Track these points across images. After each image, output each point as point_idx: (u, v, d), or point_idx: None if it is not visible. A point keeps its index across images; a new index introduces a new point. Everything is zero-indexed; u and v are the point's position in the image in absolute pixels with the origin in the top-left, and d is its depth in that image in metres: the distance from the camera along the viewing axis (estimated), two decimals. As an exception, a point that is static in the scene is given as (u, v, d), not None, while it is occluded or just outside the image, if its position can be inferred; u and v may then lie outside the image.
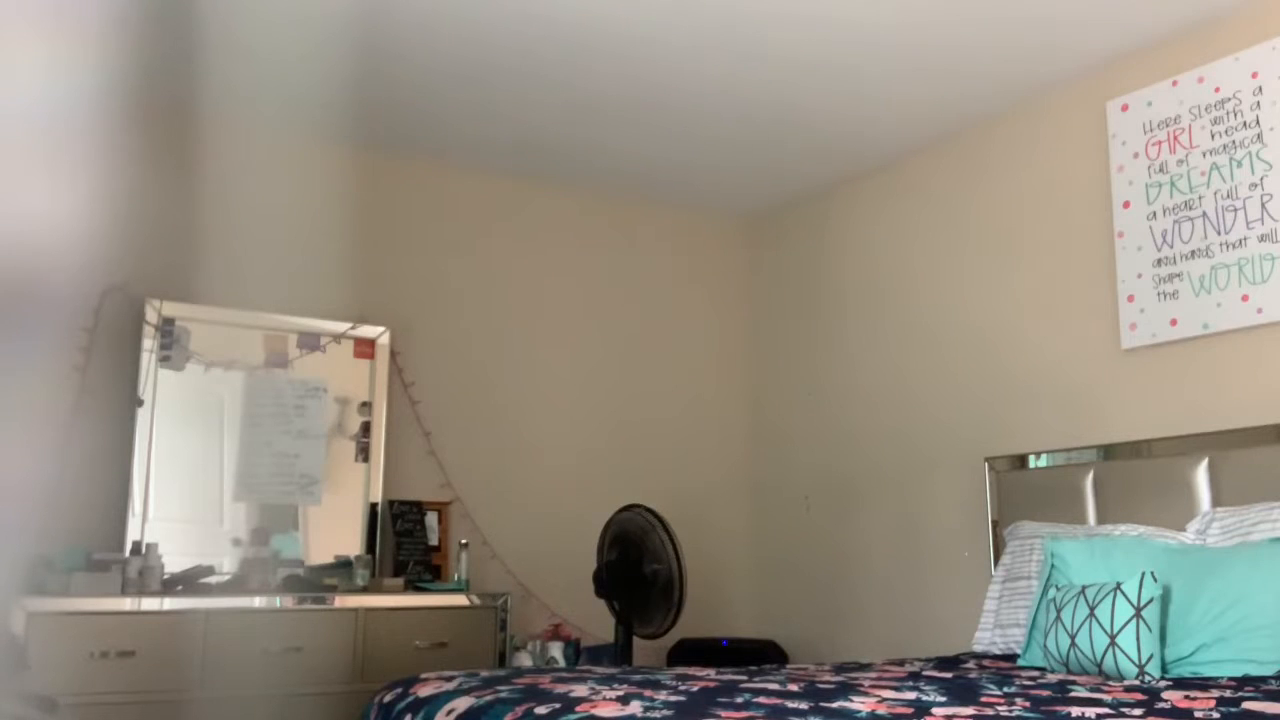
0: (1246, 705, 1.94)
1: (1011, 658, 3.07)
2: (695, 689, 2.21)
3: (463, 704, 2.18)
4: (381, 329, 4.11)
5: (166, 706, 3.13)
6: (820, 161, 4.36)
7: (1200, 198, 3.21)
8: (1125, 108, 3.43)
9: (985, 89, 3.70)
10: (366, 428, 4.04)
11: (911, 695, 2.10)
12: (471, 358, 4.35)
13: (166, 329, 3.73)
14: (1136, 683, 2.37)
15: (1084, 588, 2.65)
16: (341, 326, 4.04)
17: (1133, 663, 2.44)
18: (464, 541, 3.96)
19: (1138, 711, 1.90)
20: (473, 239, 4.42)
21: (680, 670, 2.73)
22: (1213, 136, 3.19)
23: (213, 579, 3.54)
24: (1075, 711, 1.89)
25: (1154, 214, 3.32)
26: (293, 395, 3.94)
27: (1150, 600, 2.48)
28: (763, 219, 5.01)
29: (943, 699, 2.05)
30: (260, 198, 3.96)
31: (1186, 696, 2.09)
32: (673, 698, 2.07)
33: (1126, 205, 3.40)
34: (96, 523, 3.52)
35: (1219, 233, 3.15)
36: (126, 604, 3.18)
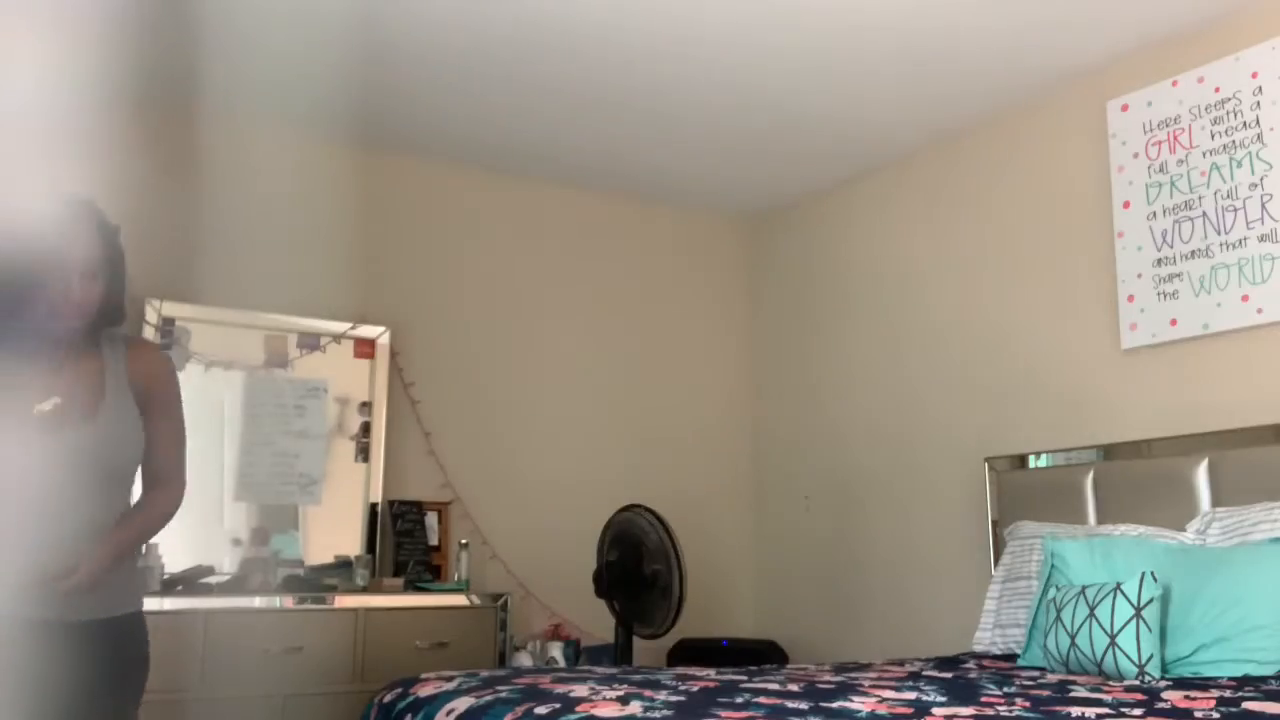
0: (1246, 705, 1.94)
1: (1011, 658, 3.07)
2: (695, 689, 2.21)
3: (463, 704, 2.18)
4: (381, 329, 4.11)
5: (166, 706, 3.12)
6: (821, 162, 4.36)
7: (1200, 198, 3.21)
8: (1125, 108, 3.43)
9: (985, 89, 3.70)
10: (366, 428, 4.04)
11: (911, 695, 2.10)
12: (471, 358, 4.35)
13: (166, 329, 3.73)
14: (1136, 683, 2.37)
15: (1084, 588, 2.65)
16: (341, 326, 4.04)
17: (1133, 663, 2.44)
18: (464, 541, 3.96)
19: (1138, 711, 1.90)
20: (473, 239, 4.42)
21: (680, 670, 2.73)
22: (1213, 136, 3.19)
23: (213, 579, 3.54)
24: (1075, 711, 1.89)
25: (1154, 214, 3.32)
26: (293, 395, 3.94)
27: (1150, 600, 2.48)
28: (763, 219, 5.01)
29: (943, 699, 2.05)
30: (260, 198, 3.96)
31: (1186, 696, 2.09)
32: (673, 698, 2.07)
33: (1126, 205, 3.40)
34: (96, 523, 3.51)
35: (1219, 233, 3.15)
36: (126, 604, 3.17)
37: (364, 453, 4.03)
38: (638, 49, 3.42)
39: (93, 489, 2.02)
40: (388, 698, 2.50)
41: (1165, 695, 2.11)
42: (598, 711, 1.92)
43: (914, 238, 4.20)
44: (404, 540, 3.97)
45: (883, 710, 1.90)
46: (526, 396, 4.44)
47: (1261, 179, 3.06)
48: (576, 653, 3.98)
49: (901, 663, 3.01)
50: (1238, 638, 2.45)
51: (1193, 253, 3.21)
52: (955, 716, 1.85)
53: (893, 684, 2.33)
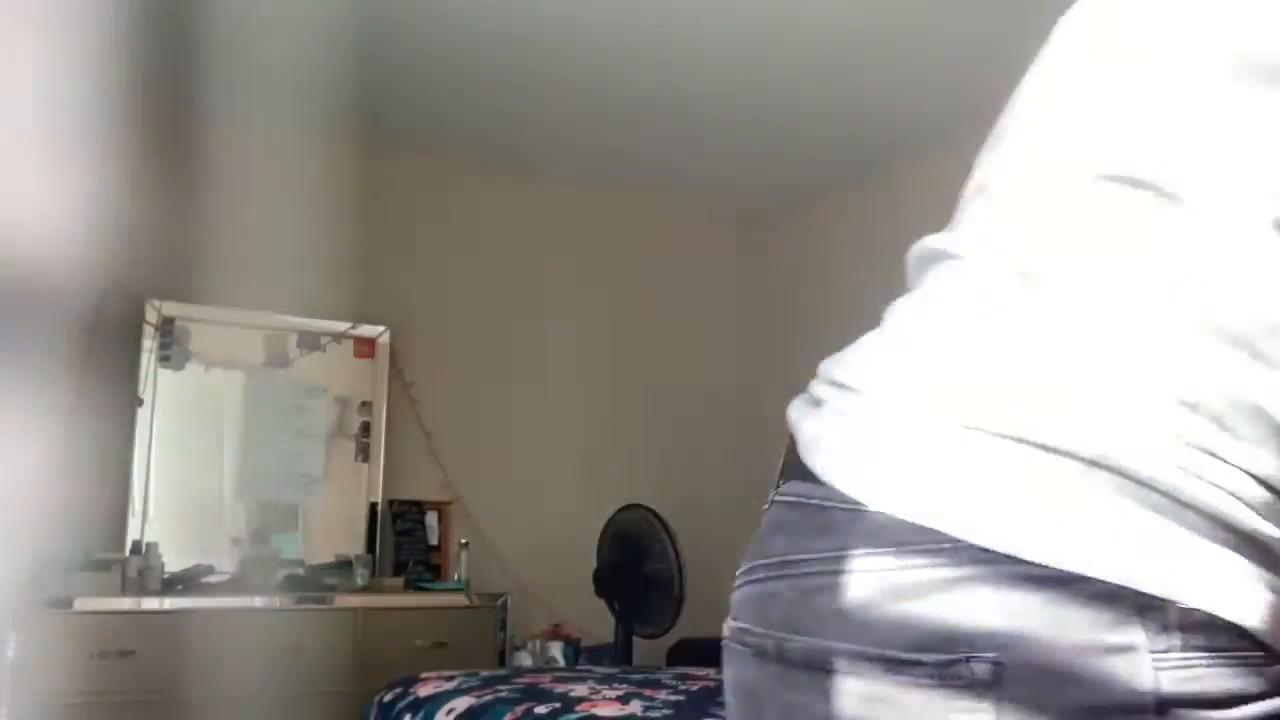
0: (1246, 705, 1.94)
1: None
2: (695, 689, 2.21)
3: (462, 704, 2.18)
4: (381, 329, 4.11)
5: (166, 706, 3.13)
6: (821, 162, 4.36)
7: (1200, 197, 3.20)
8: (1125, 107, 3.42)
9: (985, 89, 3.69)
10: (366, 428, 4.04)
11: (911, 695, 2.10)
12: (471, 357, 4.35)
13: (166, 329, 3.73)
14: (1136, 682, 2.37)
15: (1084, 587, 2.65)
16: (341, 326, 4.04)
17: (1133, 662, 2.44)
18: (464, 541, 3.96)
19: (1138, 711, 1.90)
20: (473, 239, 4.42)
21: (680, 670, 2.74)
22: (1213, 136, 3.18)
23: (213, 579, 3.54)
24: (1075, 711, 1.89)
25: (1154, 214, 3.31)
26: (293, 395, 3.94)
27: (1150, 600, 2.48)
28: (763, 219, 5.00)
29: (943, 699, 2.05)
30: (260, 198, 3.95)
31: (1186, 696, 2.08)
32: (673, 698, 2.07)
33: (1126, 205, 3.39)
34: (96, 523, 3.51)
35: (1219, 232, 3.14)
36: (126, 604, 3.18)
37: (364, 453, 4.03)
38: (638, 51, 3.42)
39: None
40: (388, 697, 2.50)
41: (1165, 695, 2.11)
42: (598, 711, 1.92)
43: (915, 237, 4.19)
44: (404, 540, 3.97)
45: (883, 710, 1.89)
46: (526, 396, 4.44)
47: (1261, 179, 3.06)
48: (576, 653, 3.98)
49: (901, 662, 3.00)
50: (1238, 637, 2.45)
51: (1193, 252, 3.21)
52: (955, 716, 1.85)
53: (893, 684, 2.33)
